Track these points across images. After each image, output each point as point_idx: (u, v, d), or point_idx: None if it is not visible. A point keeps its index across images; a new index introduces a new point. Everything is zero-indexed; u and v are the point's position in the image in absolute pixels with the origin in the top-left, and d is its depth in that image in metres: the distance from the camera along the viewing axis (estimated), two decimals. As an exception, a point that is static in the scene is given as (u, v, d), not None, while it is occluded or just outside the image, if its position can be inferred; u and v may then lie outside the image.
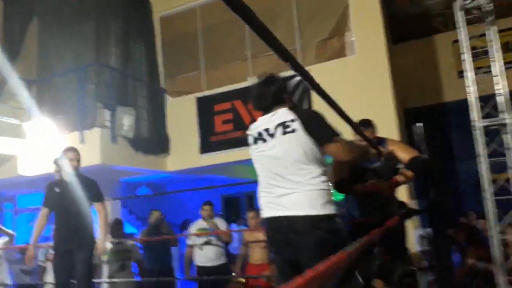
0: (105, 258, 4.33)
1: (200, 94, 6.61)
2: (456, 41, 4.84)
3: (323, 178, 1.98)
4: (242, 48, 6.42)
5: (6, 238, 4.71)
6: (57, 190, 3.54)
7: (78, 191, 3.47)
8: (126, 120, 5.78)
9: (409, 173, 2.71)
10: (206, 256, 4.70)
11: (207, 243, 4.69)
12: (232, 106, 6.26)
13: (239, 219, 7.99)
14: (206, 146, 6.39)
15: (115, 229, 4.68)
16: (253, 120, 7.11)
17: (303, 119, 1.96)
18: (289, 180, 1.96)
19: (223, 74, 6.71)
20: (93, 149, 5.30)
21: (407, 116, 6.72)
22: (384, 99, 5.38)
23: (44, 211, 3.60)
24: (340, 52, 6.00)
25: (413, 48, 7.77)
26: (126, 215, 6.52)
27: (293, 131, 1.96)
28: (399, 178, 2.66)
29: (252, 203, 9.01)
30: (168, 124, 6.72)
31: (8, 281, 4.60)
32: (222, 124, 6.33)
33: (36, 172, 5.50)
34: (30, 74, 6.80)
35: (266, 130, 2.04)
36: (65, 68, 6.43)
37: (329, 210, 1.95)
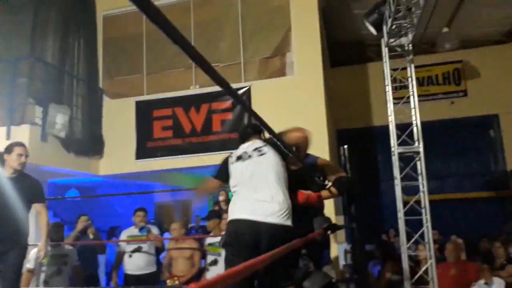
0: (45, 261, 4.10)
1: (139, 98, 6.51)
2: (385, 71, 5.30)
3: (287, 193, 2.42)
4: (187, 56, 6.44)
5: None
6: None
7: (18, 189, 3.25)
8: (59, 119, 5.54)
9: (334, 190, 2.94)
10: (135, 264, 4.60)
11: (137, 250, 4.62)
12: (173, 113, 6.24)
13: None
14: (142, 152, 6.29)
15: (54, 232, 4.45)
16: (194, 128, 7.04)
17: (271, 143, 2.52)
18: (263, 192, 2.37)
19: (165, 80, 6.67)
20: (20, 146, 4.99)
21: (339, 136, 7.15)
22: (318, 120, 5.67)
23: None
24: (280, 71, 6.26)
25: (348, 73, 8.31)
26: (51, 218, 6.17)
27: (265, 153, 2.51)
28: (324, 193, 2.89)
29: (186, 212, 8.95)
30: (104, 126, 6.53)
31: None
32: (161, 131, 6.28)
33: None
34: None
35: (246, 153, 2.58)
36: (-6, 58, 6.03)
37: (291, 221, 2.39)
